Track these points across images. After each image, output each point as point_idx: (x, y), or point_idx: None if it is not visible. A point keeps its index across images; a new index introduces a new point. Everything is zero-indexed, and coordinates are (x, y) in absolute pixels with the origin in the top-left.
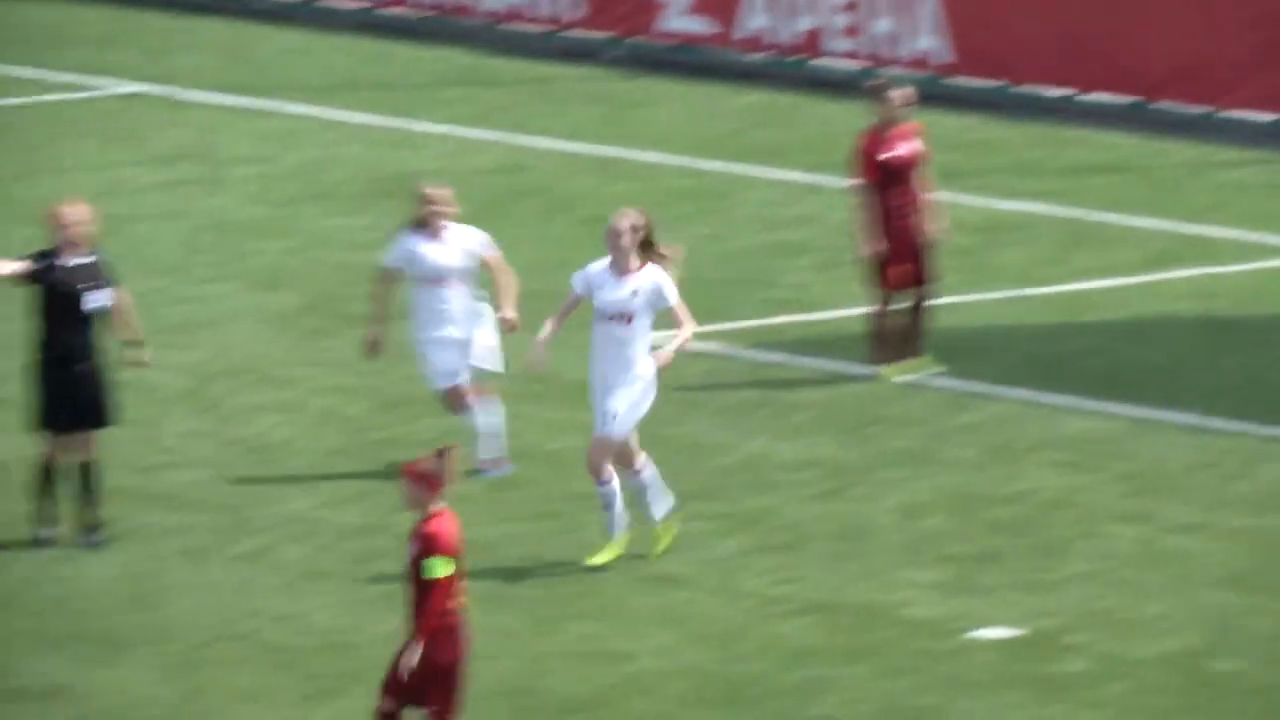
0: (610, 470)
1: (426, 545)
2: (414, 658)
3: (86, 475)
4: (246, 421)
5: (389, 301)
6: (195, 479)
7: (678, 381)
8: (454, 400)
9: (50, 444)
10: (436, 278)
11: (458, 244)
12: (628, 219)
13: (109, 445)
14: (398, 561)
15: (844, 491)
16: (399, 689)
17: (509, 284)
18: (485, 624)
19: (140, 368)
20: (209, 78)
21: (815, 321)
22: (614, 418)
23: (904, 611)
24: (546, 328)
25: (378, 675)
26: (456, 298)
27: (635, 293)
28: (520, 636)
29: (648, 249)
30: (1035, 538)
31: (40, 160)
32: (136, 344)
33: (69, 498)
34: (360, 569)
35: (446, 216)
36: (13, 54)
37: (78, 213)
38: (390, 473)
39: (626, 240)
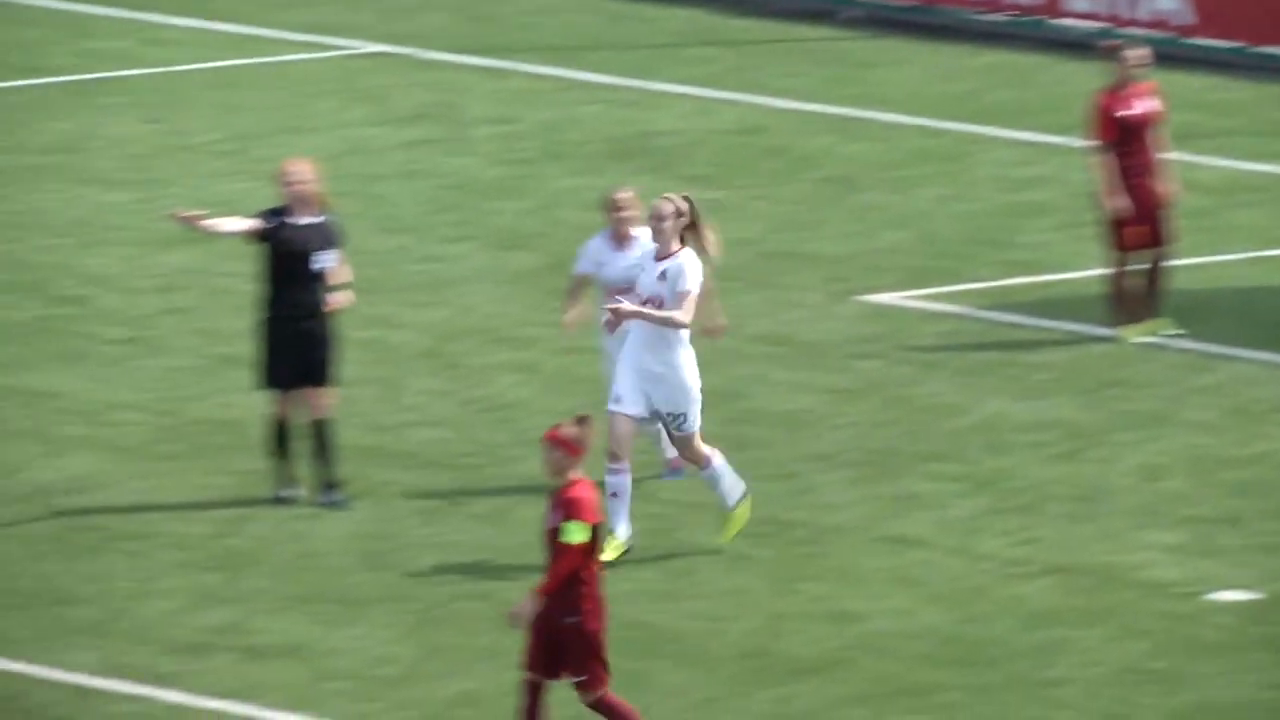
0: (704, 452)
1: (568, 510)
2: (531, 610)
3: (319, 433)
4: (485, 381)
5: (581, 302)
6: (434, 438)
7: (916, 342)
8: None
9: (278, 402)
10: (624, 288)
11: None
12: (671, 203)
13: (349, 404)
14: (637, 521)
15: (1082, 453)
16: (543, 660)
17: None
18: (722, 585)
19: (341, 309)
20: (451, 38)
21: (1054, 282)
22: (684, 420)
23: (1142, 573)
24: (567, 311)
25: (617, 635)
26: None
27: (664, 274)
28: (756, 597)
29: (692, 233)
30: (1275, 500)
31: (282, 120)
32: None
33: (306, 456)
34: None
35: (636, 224)
36: (254, 14)
37: (305, 171)
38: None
39: (669, 225)
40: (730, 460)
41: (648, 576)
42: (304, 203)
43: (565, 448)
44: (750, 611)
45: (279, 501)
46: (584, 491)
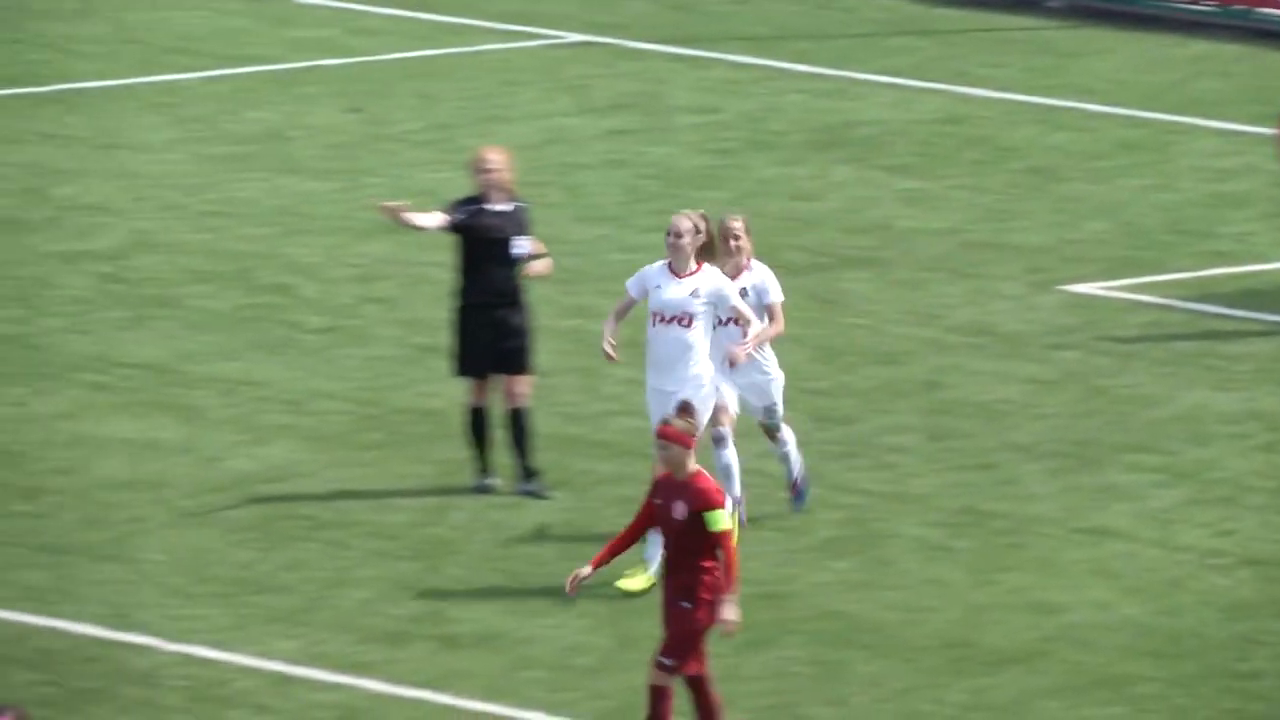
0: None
1: (705, 500)
2: (734, 611)
3: (516, 422)
4: None
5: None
6: (633, 427)
7: (1116, 333)
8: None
9: (474, 390)
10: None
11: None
12: (689, 220)
13: (549, 393)
14: (835, 511)
15: None
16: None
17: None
18: (920, 576)
19: (542, 275)
20: (653, 27)
21: (1256, 273)
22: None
23: None
24: (606, 330)
25: (814, 626)
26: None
27: (695, 293)
28: (955, 588)
29: (707, 253)
30: None
31: (483, 110)
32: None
33: (504, 445)
34: (796, 519)
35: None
36: (456, 3)
37: (498, 159)
38: (826, 421)
39: (686, 241)
40: (930, 451)
41: (845, 567)
42: (497, 190)
43: (681, 441)
44: (949, 602)
45: (478, 491)
46: (711, 481)
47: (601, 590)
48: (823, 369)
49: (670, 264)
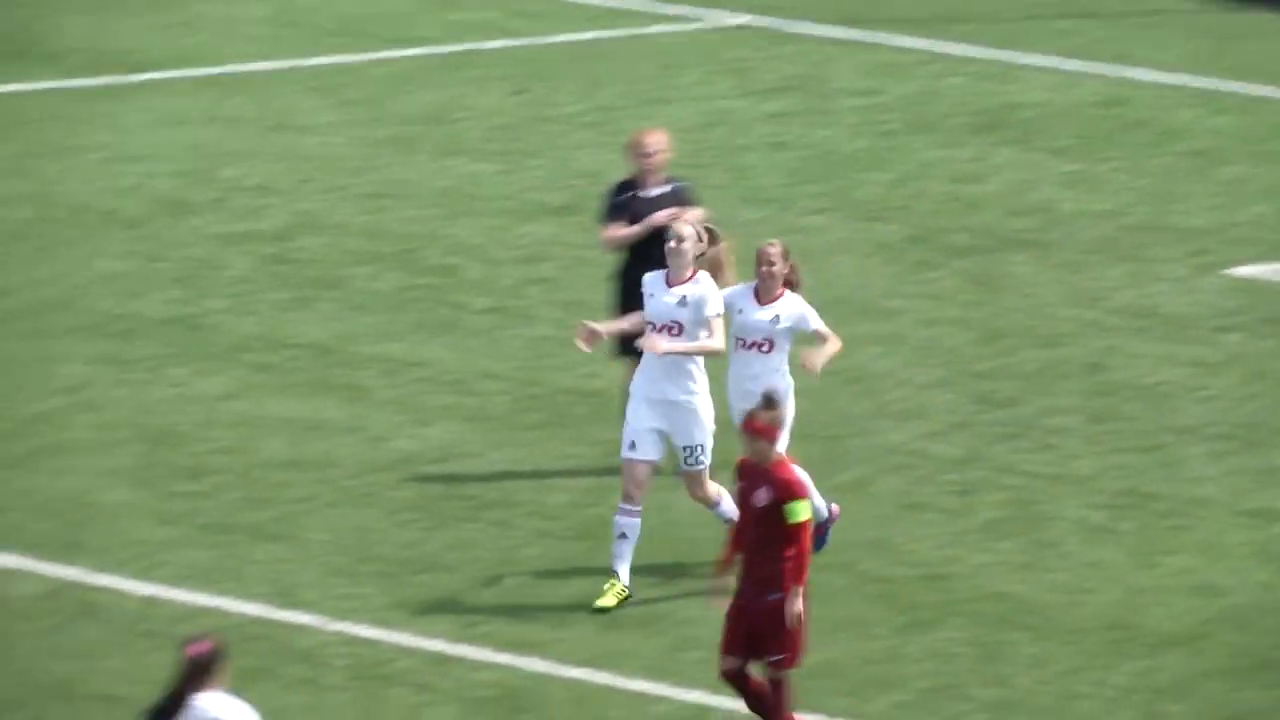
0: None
1: (788, 490)
2: (798, 605)
3: None
4: (847, 352)
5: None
6: (796, 408)
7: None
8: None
9: (631, 371)
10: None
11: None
12: (693, 227)
13: (716, 375)
14: (997, 493)
15: None
16: (744, 642)
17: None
18: (1085, 557)
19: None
20: (815, 9)
21: None
22: (700, 452)
23: None
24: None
25: (976, 608)
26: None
27: (683, 301)
28: (1118, 570)
29: (706, 264)
30: None
31: (645, 92)
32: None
33: None
34: (958, 501)
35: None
36: None
37: (658, 141)
38: (988, 403)
39: (688, 245)
40: (1093, 433)
41: (1007, 548)
42: (654, 174)
43: (767, 435)
44: (1111, 584)
45: None
46: (795, 472)
47: None
48: (984, 351)
49: (667, 271)
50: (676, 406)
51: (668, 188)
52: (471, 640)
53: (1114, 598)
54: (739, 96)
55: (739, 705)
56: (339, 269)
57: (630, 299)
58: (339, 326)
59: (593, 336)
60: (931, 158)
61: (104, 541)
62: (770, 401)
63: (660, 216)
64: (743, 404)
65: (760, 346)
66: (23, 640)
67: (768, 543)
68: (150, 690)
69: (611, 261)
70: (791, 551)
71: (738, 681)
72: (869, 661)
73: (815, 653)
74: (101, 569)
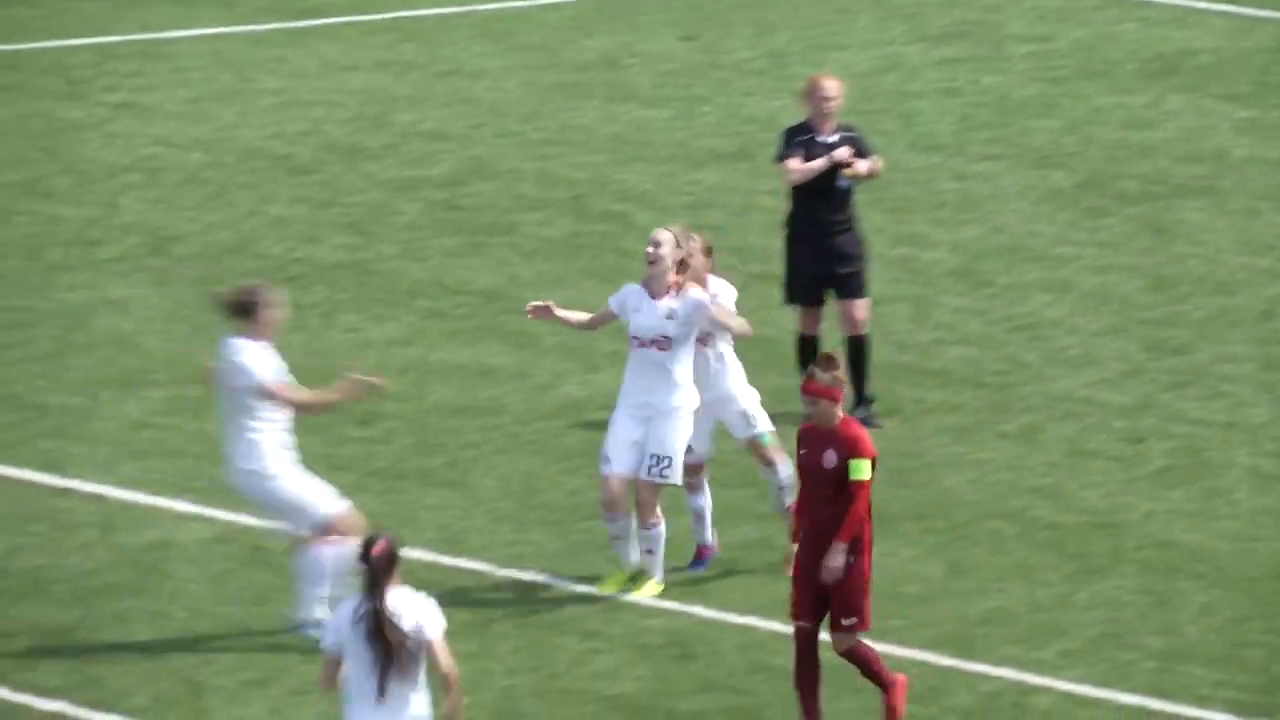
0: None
1: (854, 448)
2: (839, 560)
3: (854, 349)
4: (1017, 299)
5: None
6: (965, 356)
7: None
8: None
9: (804, 319)
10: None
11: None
12: (670, 233)
13: (879, 321)
14: (1168, 441)
15: None
16: (814, 606)
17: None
18: (1255, 505)
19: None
20: None
21: None
22: (669, 465)
23: None
24: (567, 313)
25: (1146, 555)
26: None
27: (671, 315)
28: None
29: (683, 270)
30: None
31: (817, 38)
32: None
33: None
34: (1128, 449)
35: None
36: None
37: (835, 87)
38: (1159, 351)
39: (666, 251)
40: (1258, 379)
41: (1178, 496)
42: (829, 120)
43: (829, 395)
44: None
45: None
46: (861, 429)
47: (930, 521)
48: (1157, 298)
49: (646, 283)
50: (657, 415)
51: (837, 136)
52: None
53: None
54: (910, 42)
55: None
56: (509, 215)
57: (801, 245)
58: (509, 272)
59: (542, 312)
60: (1103, 104)
61: None
62: (830, 361)
63: (840, 154)
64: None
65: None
66: (192, 585)
67: (839, 504)
68: (318, 635)
69: (778, 209)
70: (851, 509)
71: (809, 647)
72: (1038, 609)
73: (985, 600)
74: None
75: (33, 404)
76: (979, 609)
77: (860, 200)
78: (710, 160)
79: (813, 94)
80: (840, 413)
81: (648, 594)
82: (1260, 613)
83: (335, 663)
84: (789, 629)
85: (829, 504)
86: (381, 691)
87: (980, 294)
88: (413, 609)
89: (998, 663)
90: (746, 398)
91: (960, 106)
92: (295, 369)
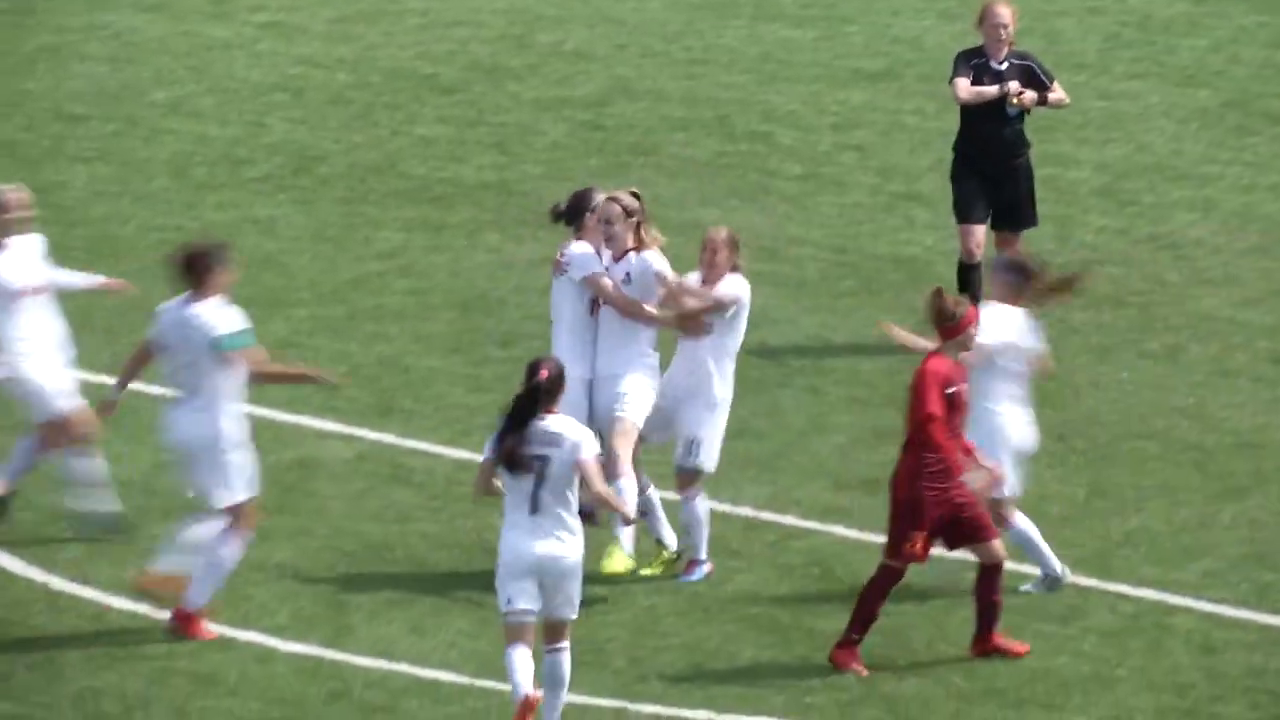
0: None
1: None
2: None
3: None
4: (1162, 218)
5: None
6: (1109, 275)
7: None
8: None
9: (963, 239)
10: None
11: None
12: (617, 204)
13: (1025, 241)
14: None
15: None
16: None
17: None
18: None
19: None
20: None
21: None
22: (622, 406)
23: None
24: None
25: None
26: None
27: (628, 278)
28: None
29: (638, 232)
30: None
31: None
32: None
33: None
34: (1272, 368)
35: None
36: None
37: (1006, 13)
38: None
39: (618, 227)
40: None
41: None
42: (1001, 45)
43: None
44: None
45: None
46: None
47: (1072, 441)
48: None
49: (606, 244)
50: (615, 376)
51: (1013, 61)
52: (781, 507)
53: None
54: None
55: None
56: (653, 135)
57: (963, 166)
58: (653, 192)
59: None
60: (1249, 23)
61: (416, 407)
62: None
63: (1011, 86)
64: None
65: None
66: (334, 503)
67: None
68: (461, 555)
69: (922, 128)
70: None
71: (892, 579)
72: (1180, 529)
73: (1126, 521)
74: (413, 434)
75: None
76: (1120, 529)
77: None
78: (856, 80)
79: (985, 20)
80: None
81: (615, 566)
82: None
83: (490, 472)
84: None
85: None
86: (534, 508)
87: (1124, 213)
88: (569, 430)
89: (1138, 583)
90: (707, 425)
91: (1105, 25)
92: (438, 290)
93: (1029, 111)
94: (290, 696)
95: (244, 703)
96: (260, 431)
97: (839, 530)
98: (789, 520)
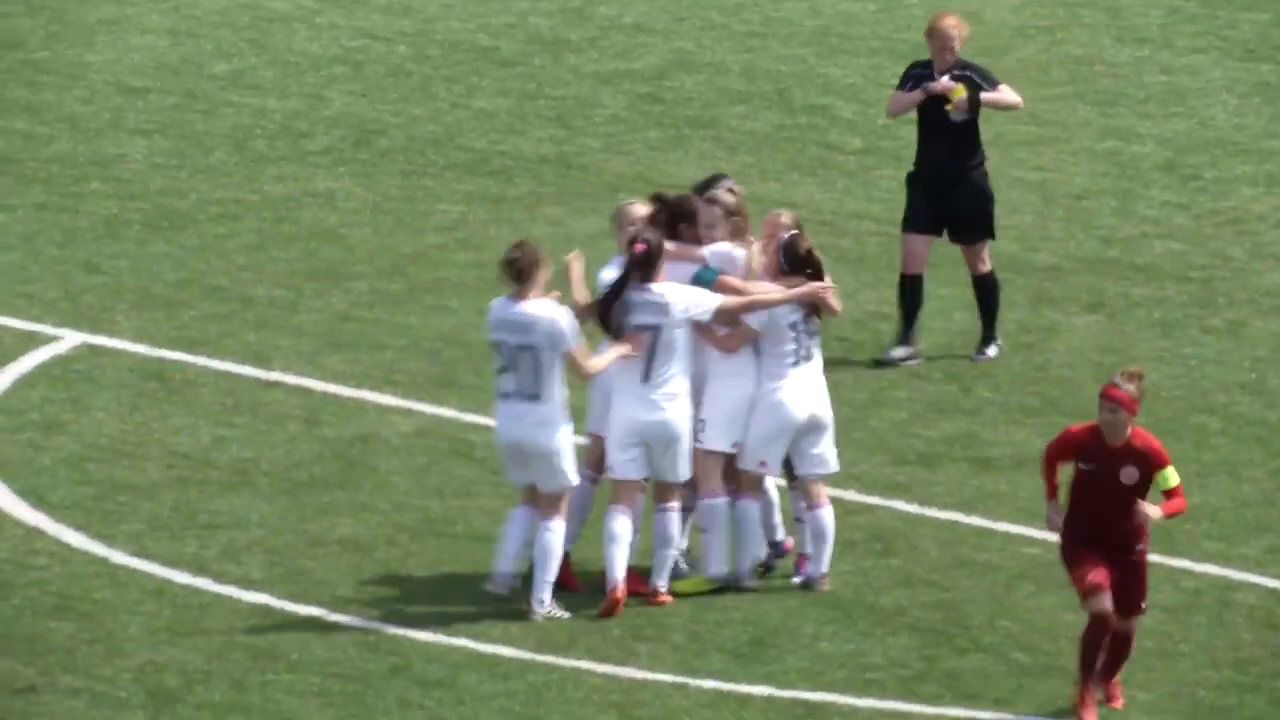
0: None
1: (1159, 459)
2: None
3: (974, 287)
4: (1224, 193)
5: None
6: (1171, 250)
7: None
8: None
9: (905, 252)
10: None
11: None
12: (637, 210)
13: (1087, 216)
14: None
15: None
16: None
17: None
18: None
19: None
20: None
21: None
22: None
23: None
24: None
25: None
26: None
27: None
28: None
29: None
30: None
31: None
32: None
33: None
34: None
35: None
36: None
37: (950, 26)
38: None
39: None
40: None
41: None
42: (943, 56)
43: (1129, 408)
44: None
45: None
46: (1152, 438)
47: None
48: None
49: None
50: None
51: (957, 73)
52: (842, 482)
53: None
54: None
55: None
56: (713, 108)
57: (912, 179)
58: (712, 166)
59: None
60: None
61: (476, 380)
62: (1133, 375)
63: (934, 85)
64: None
65: None
66: (395, 478)
67: (1128, 505)
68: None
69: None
70: (1176, 503)
71: (1106, 626)
72: (1242, 505)
73: (1189, 496)
74: (474, 408)
75: (238, 296)
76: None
77: (1066, 92)
78: (915, 53)
79: (930, 33)
80: (1131, 426)
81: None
82: None
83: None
84: (991, 524)
85: (1125, 518)
86: (645, 377)
87: (1186, 188)
88: (677, 298)
89: (1201, 559)
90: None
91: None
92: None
93: (973, 115)
94: (350, 671)
95: (304, 677)
96: (321, 406)
97: (899, 505)
98: (849, 495)
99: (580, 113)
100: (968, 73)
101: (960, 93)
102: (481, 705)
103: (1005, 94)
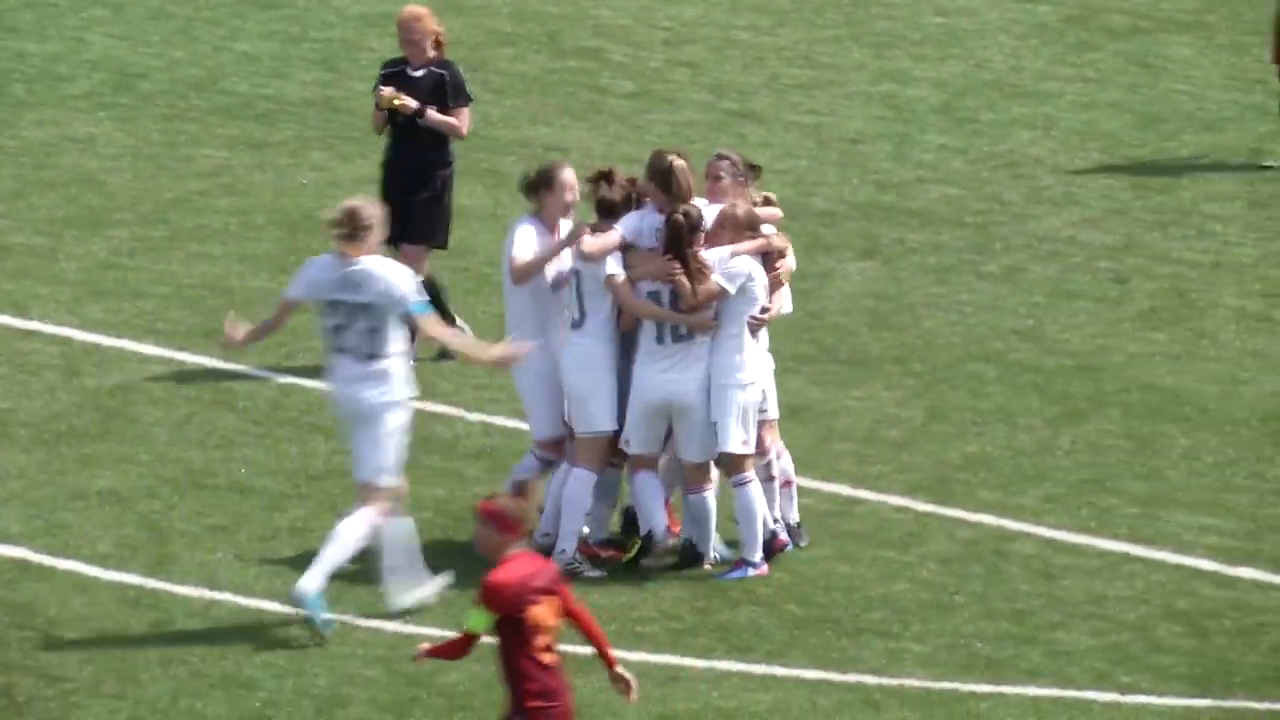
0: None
1: (480, 593)
2: None
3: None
4: (1001, 137)
5: None
6: (947, 195)
7: None
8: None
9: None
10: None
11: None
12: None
13: (862, 160)
14: (1153, 281)
15: None
16: None
17: None
18: (1242, 346)
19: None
20: None
21: None
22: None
23: None
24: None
25: (1129, 399)
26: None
27: None
28: (1277, 360)
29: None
30: None
31: None
32: None
33: None
34: (1112, 290)
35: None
36: None
37: (412, 19)
38: (1145, 189)
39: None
40: (1246, 218)
41: (1162, 338)
42: (412, 51)
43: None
44: (1270, 374)
45: None
46: (495, 579)
47: (910, 364)
48: (1143, 135)
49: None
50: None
51: (435, 70)
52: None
53: (1272, 388)
54: None
55: None
56: (481, 51)
57: (386, 180)
58: (482, 110)
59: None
60: None
61: None
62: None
63: (384, 90)
64: None
65: None
66: (156, 429)
67: None
68: (285, 481)
69: (756, 44)
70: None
71: None
72: (1019, 453)
73: (965, 445)
74: (238, 357)
75: None
76: (959, 453)
77: (841, 34)
78: None
79: (398, 28)
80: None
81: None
82: (1244, 456)
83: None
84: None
85: None
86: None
87: (963, 131)
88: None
89: (977, 508)
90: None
91: None
92: (262, 209)
93: (419, 117)
94: (111, 627)
95: (63, 633)
96: (81, 355)
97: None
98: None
99: (346, 55)
100: (444, 73)
101: (390, 102)
102: (245, 660)
103: (452, 119)
